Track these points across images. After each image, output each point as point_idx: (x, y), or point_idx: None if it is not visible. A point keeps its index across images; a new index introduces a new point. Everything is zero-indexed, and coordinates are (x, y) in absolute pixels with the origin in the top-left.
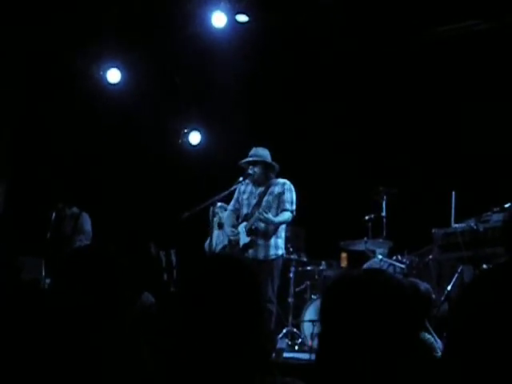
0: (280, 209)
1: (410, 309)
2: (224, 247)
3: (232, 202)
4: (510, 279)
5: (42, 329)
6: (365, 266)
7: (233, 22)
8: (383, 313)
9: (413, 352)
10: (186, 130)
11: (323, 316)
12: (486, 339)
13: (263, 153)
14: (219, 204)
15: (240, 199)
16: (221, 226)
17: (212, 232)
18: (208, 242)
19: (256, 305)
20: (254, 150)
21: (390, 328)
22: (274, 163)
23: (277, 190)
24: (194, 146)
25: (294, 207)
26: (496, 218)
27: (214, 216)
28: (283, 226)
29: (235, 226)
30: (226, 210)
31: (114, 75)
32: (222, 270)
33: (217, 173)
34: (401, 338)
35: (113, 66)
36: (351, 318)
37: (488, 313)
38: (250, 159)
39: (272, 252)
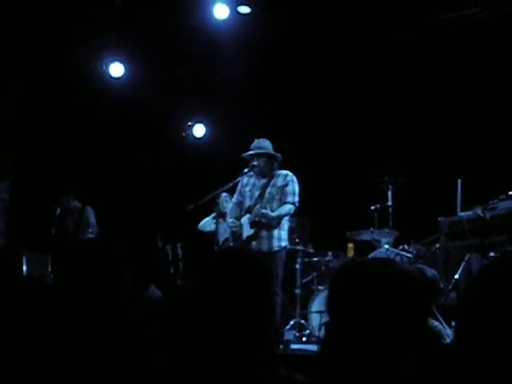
0: (282, 201)
1: (418, 297)
2: (226, 239)
3: (235, 195)
4: None
5: (49, 323)
6: (371, 255)
7: (235, 13)
8: (391, 301)
9: (421, 340)
10: (190, 123)
11: (330, 305)
12: (497, 327)
13: (266, 144)
14: (224, 194)
15: (243, 192)
16: (222, 215)
17: (217, 224)
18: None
19: (266, 299)
20: (256, 142)
21: (398, 316)
22: (277, 154)
23: (279, 181)
24: (199, 138)
25: (297, 199)
26: (502, 205)
27: (217, 206)
28: (286, 218)
29: (238, 219)
30: (230, 199)
31: (116, 69)
32: (233, 264)
33: (221, 165)
34: (409, 326)
35: (116, 60)
36: (359, 307)
37: (499, 301)
38: (254, 152)
39: (275, 244)
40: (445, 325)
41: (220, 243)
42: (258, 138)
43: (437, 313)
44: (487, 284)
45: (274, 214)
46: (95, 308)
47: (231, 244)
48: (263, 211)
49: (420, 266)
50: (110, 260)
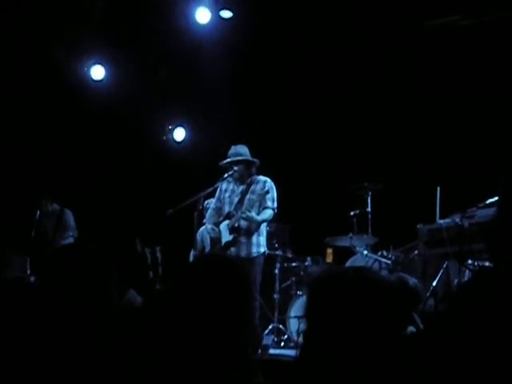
0: (262, 207)
1: (395, 305)
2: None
3: (214, 201)
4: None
5: (30, 326)
6: (349, 261)
7: (217, 17)
8: (367, 309)
9: (398, 348)
10: (170, 127)
11: (308, 313)
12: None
13: (243, 151)
14: (208, 200)
15: (222, 197)
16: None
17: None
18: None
19: (245, 304)
20: (233, 149)
21: (375, 324)
22: (254, 160)
23: (258, 188)
24: (179, 142)
25: (276, 205)
26: (481, 213)
27: (199, 212)
28: (265, 224)
29: (217, 224)
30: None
31: (98, 72)
32: (212, 270)
33: (201, 169)
34: (385, 334)
35: (97, 63)
36: (336, 315)
37: (484, 315)
38: (231, 159)
39: (254, 250)
40: None
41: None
42: (235, 144)
43: (419, 321)
44: (472, 299)
45: (259, 218)
46: (74, 311)
47: (208, 250)
48: (249, 214)
49: (401, 274)
50: (89, 264)
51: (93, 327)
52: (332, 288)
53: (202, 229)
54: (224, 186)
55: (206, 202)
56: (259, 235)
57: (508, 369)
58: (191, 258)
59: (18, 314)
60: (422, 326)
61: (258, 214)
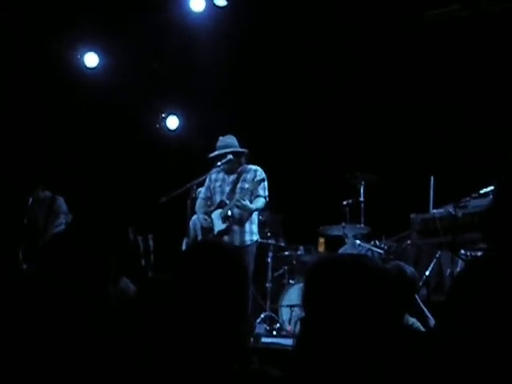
0: (254, 195)
1: (394, 292)
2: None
3: (203, 190)
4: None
5: (26, 314)
6: (341, 249)
7: (211, 6)
8: (366, 296)
9: (396, 335)
10: (163, 115)
11: (305, 300)
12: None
13: (231, 141)
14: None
15: (212, 187)
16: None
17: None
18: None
19: (241, 292)
20: (221, 141)
21: (373, 311)
22: (243, 150)
23: (249, 176)
24: (172, 130)
25: (267, 193)
26: (474, 203)
27: (192, 200)
28: (257, 212)
29: (208, 214)
30: None
31: (91, 59)
32: (208, 257)
33: (194, 157)
34: (383, 322)
35: (90, 50)
36: (334, 303)
37: (479, 305)
38: (219, 152)
39: (247, 238)
40: (430, 316)
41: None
42: (223, 135)
43: (423, 306)
44: (467, 288)
45: (253, 206)
46: (71, 299)
47: (200, 238)
48: (243, 202)
49: (398, 262)
50: (85, 251)
51: (88, 316)
52: (329, 275)
53: (194, 217)
54: (213, 175)
55: (198, 190)
56: (252, 223)
57: (506, 360)
58: (184, 246)
59: (14, 304)
60: (426, 311)
61: (251, 202)
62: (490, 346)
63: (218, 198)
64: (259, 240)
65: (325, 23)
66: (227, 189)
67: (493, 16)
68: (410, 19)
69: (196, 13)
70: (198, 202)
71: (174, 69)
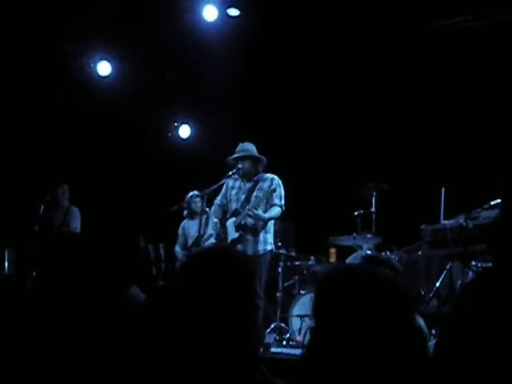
0: (269, 204)
1: (404, 302)
2: (197, 238)
3: (219, 197)
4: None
5: (31, 321)
6: (349, 258)
7: (224, 15)
8: (377, 307)
9: (406, 344)
10: (176, 124)
11: (316, 310)
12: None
13: (250, 147)
14: (191, 193)
15: (228, 194)
16: (192, 215)
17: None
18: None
19: (248, 300)
20: (240, 146)
21: (385, 324)
22: (261, 157)
23: (266, 185)
24: (184, 139)
25: (283, 202)
26: (485, 214)
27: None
28: (272, 221)
29: (221, 221)
30: (197, 197)
31: (104, 68)
32: (214, 264)
33: (206, 167)
34: (395, 332)
35: (103, 59)
36: (344, 313)
37: (487, 317)
38: (238, 155)
39: (261, 247)
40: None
41: (189, 244)
42: (243, 142)
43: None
44: (475, 300)
45: (266, 215)
46: (78, 306)
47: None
48: (255, 211)
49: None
50: (88, 257)
51: (94, 321)
52: (340, 286)
53: (184, 222)
54: (231, 183)
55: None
56: (266, 233)
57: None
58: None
59: (17, 309)
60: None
61: (266, 211)
62: (493, 356)
63: (233, 206)
64: (274, 250)
65: (337, 34)
66: (243, 197)
67: (501, 25)
68: (420, 28)
69: (209, 22)
70: (213, 208)
71: (186, 78)
